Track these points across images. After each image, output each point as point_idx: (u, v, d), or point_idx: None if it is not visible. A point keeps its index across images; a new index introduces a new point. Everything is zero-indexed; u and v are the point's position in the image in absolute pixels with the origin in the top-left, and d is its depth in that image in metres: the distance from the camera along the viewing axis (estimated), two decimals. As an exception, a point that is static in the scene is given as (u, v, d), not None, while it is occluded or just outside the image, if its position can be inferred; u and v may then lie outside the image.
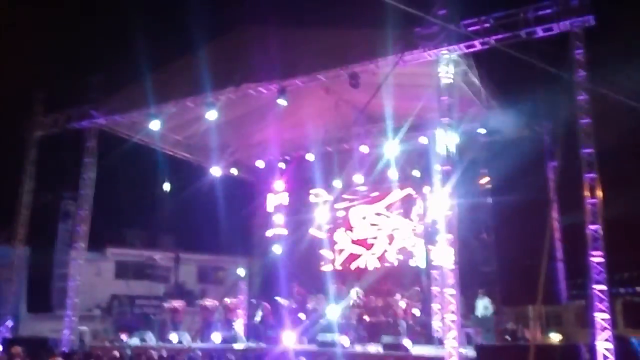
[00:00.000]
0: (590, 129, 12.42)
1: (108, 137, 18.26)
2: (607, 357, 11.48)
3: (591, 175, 12.27)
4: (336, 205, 21.70)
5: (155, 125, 16.84)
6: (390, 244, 20.63)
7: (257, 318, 17.97)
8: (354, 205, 21.67)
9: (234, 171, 21.58)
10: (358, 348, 15.05)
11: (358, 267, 20.91)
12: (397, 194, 20.54)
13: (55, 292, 17.22)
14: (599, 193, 12.17)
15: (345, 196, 21.52)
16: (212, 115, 16.01)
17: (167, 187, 16.64)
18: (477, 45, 12.96)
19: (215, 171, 20.66)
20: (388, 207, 20.94)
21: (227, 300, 18.97)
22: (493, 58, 13.78)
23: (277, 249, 21.29)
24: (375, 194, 21.11)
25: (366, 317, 17.49)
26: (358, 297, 17.52)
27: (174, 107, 16.46)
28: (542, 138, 15.07)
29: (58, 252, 17.44)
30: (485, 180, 16.58)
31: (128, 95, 17.04)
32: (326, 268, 21.44)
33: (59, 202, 17.48)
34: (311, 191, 22.13)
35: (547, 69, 11.86)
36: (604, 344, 11.59)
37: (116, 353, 12.36)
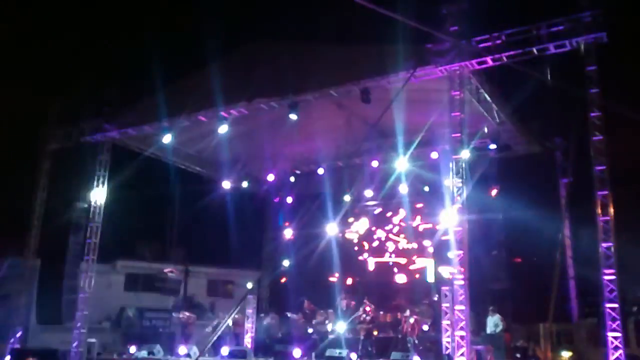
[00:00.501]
0: (602, 146, 12.38)
1: (121, 150, 18.41)
2: (620, 377, 11.35)
3: (604, 192, 12.21)
4: (348, 220, 21.69)
5: (167, 138, 17.02)
6: (400, 259, 20.61)
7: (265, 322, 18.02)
8: (364, 220, 21.67)
9: (244, 184, 21.63)
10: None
11: (367, 283, 20.83)
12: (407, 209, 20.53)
13: (65, 304, 17.25)
14: (611, 211, 12.10)
15: (355, 211, 21.53)
16: (223, 129, 16.15)
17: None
18: (489, 61, 12.97)
19: (226, 184, 20.76)
20: (398, 223, 20.93)
21: (236, 315, 18.92)
22: (505, 74, 13.79)
23: (286, 263, 21.26)
24: (387, 212, 21.10)
25: (375, 333, 17.35)
26: (364, 310, 17.46)
27: (187, 121, 16.59)
28: (553, 154, 14.99)
29: (68, 264, 17.51)
30: (495, 195, 16.50)
31: (141, 109, 17.21)
32: (335, 283, 21.41)
33: (70, 215, 17.56)
34: (321, 205, 22.14)
35: (559, 85, 11.86)
36: (616, 364, 11.46)
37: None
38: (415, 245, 20.38)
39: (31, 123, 19.43)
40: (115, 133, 17.73)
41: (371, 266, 21.26)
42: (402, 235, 20.82)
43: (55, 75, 21.65)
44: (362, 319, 17.30)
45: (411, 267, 20.33)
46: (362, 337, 16.76)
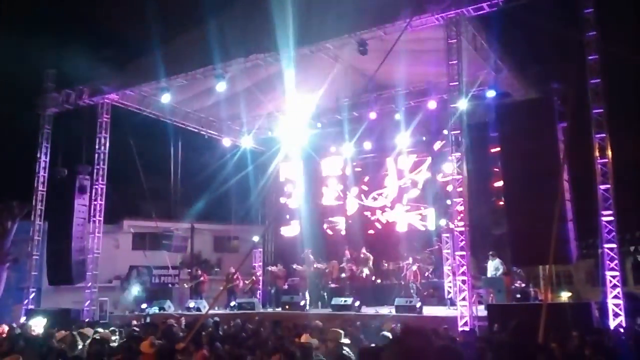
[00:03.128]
0: (600, 89, 12.43)
1: (121, 111, 18.45)
2: (617, 314, 11.72)
3: (601, 135, 12.33)
4: (347, 172, 21.91)
5: (166, 98, 17.08)
6: (401, 208, 20.90)
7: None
8: (365, 172, 21.88)
9: (245, 142, 21.75)
10: (371, 310, 15.40)
11: (369, 232, 21.20)
12: (406, 160, 20.69)
13: (75, 265, 17.60)
14: (609, 153, 12.24)
15: (356, 163, 21.72)
16: (221, 87, 16.17)
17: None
18: (485, 7, 12.89)
19: (227, 142, 20.90)
20: (399, 173, 21.13)
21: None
22: (501, 20, 13.70)
23: (290, 217, 21.60)
24: (387, 159, 21.29)
25: (378, 280, 17.82)
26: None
27: (184, 80, 16.59)
28: (551, 99, 15.01)
29: (76, 225, 17.78)
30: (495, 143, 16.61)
31: (138, 69, 17.19)
32: (338, 234, 21.80)
33: (74, 177, 17.74)
34: (322, 159, 22.35)
35: (556, 30, 11.82)
36: (613, 301, 11.82)
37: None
38: (417, 193, 20.63)
39: (30, 88, 19.38)
40: (114, 94, 17.76)
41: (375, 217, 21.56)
42: (403, 184, 21.03)
43: (51, 38, 21.46)
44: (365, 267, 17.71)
45: (414, 216, 20.63)
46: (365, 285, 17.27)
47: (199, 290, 19.15)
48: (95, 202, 17.81)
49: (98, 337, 9.56)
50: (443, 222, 18.28)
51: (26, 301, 17.85)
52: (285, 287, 18.73)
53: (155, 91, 17.33)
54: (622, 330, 11.23)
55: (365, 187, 21.91)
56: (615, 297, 11.87)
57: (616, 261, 12.04)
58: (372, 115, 19.16)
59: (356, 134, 19.78)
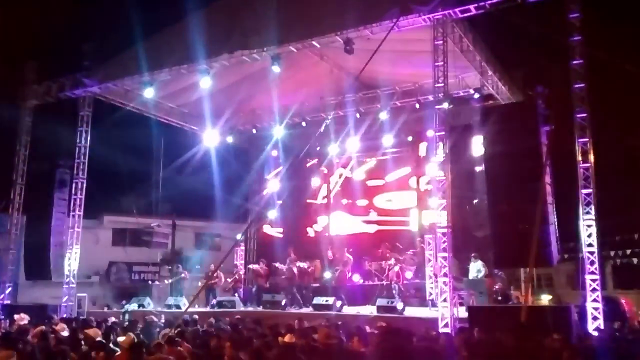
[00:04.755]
0: (584, 94, 12.52)
1: (103, 105, 18.21)
2: (596, 317, 11.80)
3: (584, 139, 12.41)
4: (332, 171, 21.85)
5: (149, 93, 16.88)
6: (385, 209, 20.89)
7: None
8: (348, 172, 21.83)
9: (229, 138, 21.60)
10: (352, 310, 15.36)
11: (353, 232, 21.16)
12: (390, 160, 20.69)
13: (53, 260, 17.37)
14: (592, 157, 12.32)
15: (339, 162, 21.66)
16: (206, 82, 16.02)
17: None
18: (472, 9, 12.89)
19: (210, 138, 20.72)
20: (382, 173, 21.11)
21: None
22: (488, 22, 13.73)
23: (272, 215, 21.49)
24: (371, 159, 21.26)
25: (360, 281, 17.78)
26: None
27: (168, 75, 16.40)
28: (535, 102, 15.11)
29: (55, 220, 17.55)
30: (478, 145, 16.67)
31: (121, 62, 16.93)
32: (321, 233, 21.73)
33: (54, 171, 17.49)
34: (306, 157, 22.24)
35: (542, 33, 11.88)
36: (593, 305, 11.90)
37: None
38: (400, 195, 20.62)
39: (10, 80, 19.04)
40: (96, 88, 17.47)
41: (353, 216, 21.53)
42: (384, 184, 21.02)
43: (33, 29, 21.11)
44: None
45: (396, 217, 20.61)
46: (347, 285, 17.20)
47: (179, 287, 18.96)
48: (75, 197, 17.54)
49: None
50: (426, 223, 18.28)
51: (2, 296, 17.56)
52: (267, 285, 18.64)
53: (138, 85, 17.08)
54: (600, 333, 11.31)
55: (349, 187, 21.84)
56: (595, 300, 11.97)
57: (596, 265, 12.14)
58: (358, 115, 19.12)
59: (341, 133, 19.72)
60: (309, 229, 22.06)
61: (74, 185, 17.55)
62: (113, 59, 17.29)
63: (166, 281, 19.58)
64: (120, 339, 9.16)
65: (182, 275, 19.04)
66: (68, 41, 18.24)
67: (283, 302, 16.55)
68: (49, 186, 17.51)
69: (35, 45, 19.56)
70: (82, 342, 8.67)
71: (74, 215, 17.50)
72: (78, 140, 17.63)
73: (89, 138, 17.69)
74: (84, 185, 17.62)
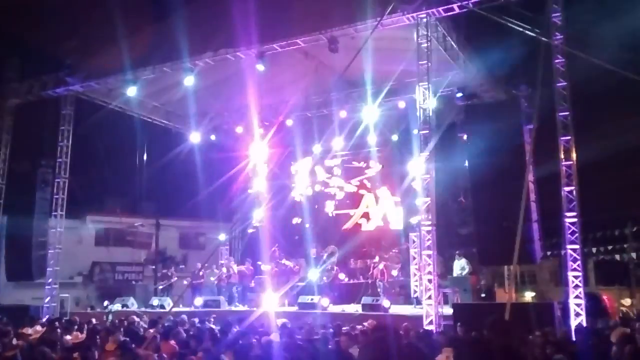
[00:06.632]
0: (566, 92, 12.64)
1: (85, 104, 18.03)
2: (579, 314, 11.93)
3: (566, 137, 12.53)
4: (316, 170, 21.83)
5: (132, 91, 16.71)
6: (369, 207, 20.93)
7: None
8: (333, 170, 21.84)
9: (213, 137, 21.49)
10: (338, 309, 15.37)
11: (338, 230, 21.16)
12: (375, 158, 20.73)
13: (35, 261, 17.18)
14: (574, 155, 12.45)
15: (325, 160, 21.65)
16: (189, 81, 15.91)
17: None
18: (456, 8, 12.96)
19: (194, 137, 20.59)
20: (367, 171, 21.15)
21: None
22: (471, 21, 13.80)
23: (257, 214, 21.40)
24: (355, 163, 21.29)
25: (346, 279, 17.79)
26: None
27: (152, 73, 16.27)
28: (519, 101, 15.23)
29: (37, 220, 17.36)
30: (463, 141, 16.78)
31: (104, 61, 16.75)
32: (306, 232, 21.70)
33: (36, 171, 17.30)
34: (290, 156, 22.20)
35: (525, 32, 11.97)
36: (575, 301, 12.03)
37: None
38: (384, 192, 20.66)
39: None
40: (78, 86, 17.29)
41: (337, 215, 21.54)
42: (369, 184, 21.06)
43: (13, 26, 20.82)
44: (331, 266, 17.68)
45: (381, 215, 20.67)
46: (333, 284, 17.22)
47: (167, 288, 18.87)
48: (57, 196, 17.37)
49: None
50: (412, 221, 18.35)
51: (-17, 298, 17.36)
52: (252, 285, 18.58)
53: (121, 84, 16.92)
54: (582, 329, 11.42)
55: (334, 185, 21.84)
56: (577, 297, 12.10)
57: (579, 262, 12.27)
58: (342, 113, 19.13)
59: (325, 132, 19.72)
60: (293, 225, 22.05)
61: (56, 184, 17.38)
62: (96, 57, 17.11)
63: (160, 287, 19.27)
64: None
65: (174, 279, 18.95)
66: (50, 39, 17.98)
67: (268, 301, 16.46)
68: (30, 186, 17.32)
69: (17, 43, 19.26)
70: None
71: (56, 215, 17.34)
72: (60, 140, 17.46)
73: (71, 137, 17.52)
74: (67, 184, 17.45)
